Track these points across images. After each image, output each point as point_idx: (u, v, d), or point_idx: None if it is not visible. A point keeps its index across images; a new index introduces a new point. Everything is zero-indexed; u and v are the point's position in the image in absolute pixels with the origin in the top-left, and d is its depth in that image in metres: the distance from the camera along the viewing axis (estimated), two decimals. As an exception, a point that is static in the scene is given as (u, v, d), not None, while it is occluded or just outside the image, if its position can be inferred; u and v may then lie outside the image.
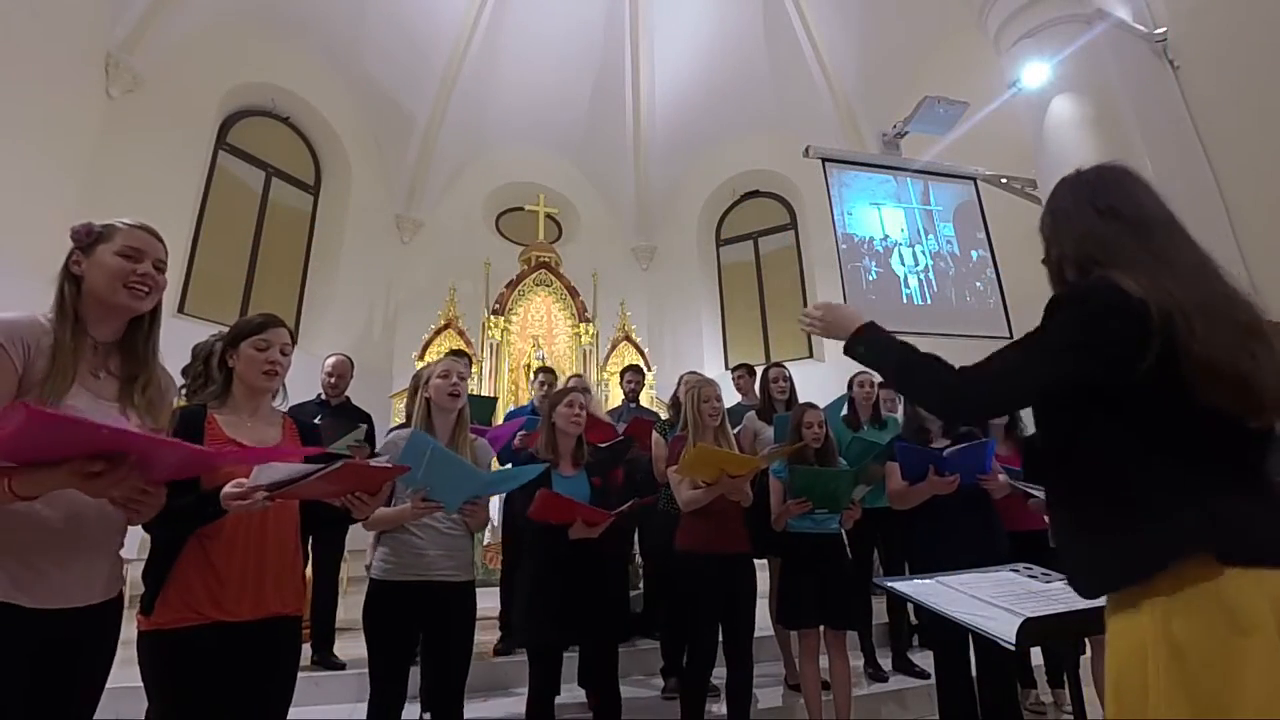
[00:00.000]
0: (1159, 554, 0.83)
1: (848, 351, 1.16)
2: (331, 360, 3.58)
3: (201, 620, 1.35)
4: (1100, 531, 0.92)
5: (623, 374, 4.61)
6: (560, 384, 3.64)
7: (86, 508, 1.16)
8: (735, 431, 3.80)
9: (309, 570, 3.31)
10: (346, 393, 3.61)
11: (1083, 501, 0.96)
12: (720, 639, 2.54)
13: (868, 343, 1.13)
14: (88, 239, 1.25)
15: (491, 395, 6.42)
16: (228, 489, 1.29)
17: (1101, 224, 1.00)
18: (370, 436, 3.30)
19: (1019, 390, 0.98)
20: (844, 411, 3.76)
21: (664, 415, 3.83)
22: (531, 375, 5.65)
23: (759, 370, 4.12)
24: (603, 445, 2.73)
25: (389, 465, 1.50)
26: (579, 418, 2.41)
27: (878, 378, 3.88)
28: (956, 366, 1.01)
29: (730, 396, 4.33)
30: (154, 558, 1.40)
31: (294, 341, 1.63)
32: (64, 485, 1.02)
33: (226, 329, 1.64)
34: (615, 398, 6.24)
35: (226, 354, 1.55)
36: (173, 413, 1.44)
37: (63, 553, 1.14)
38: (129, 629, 1.31)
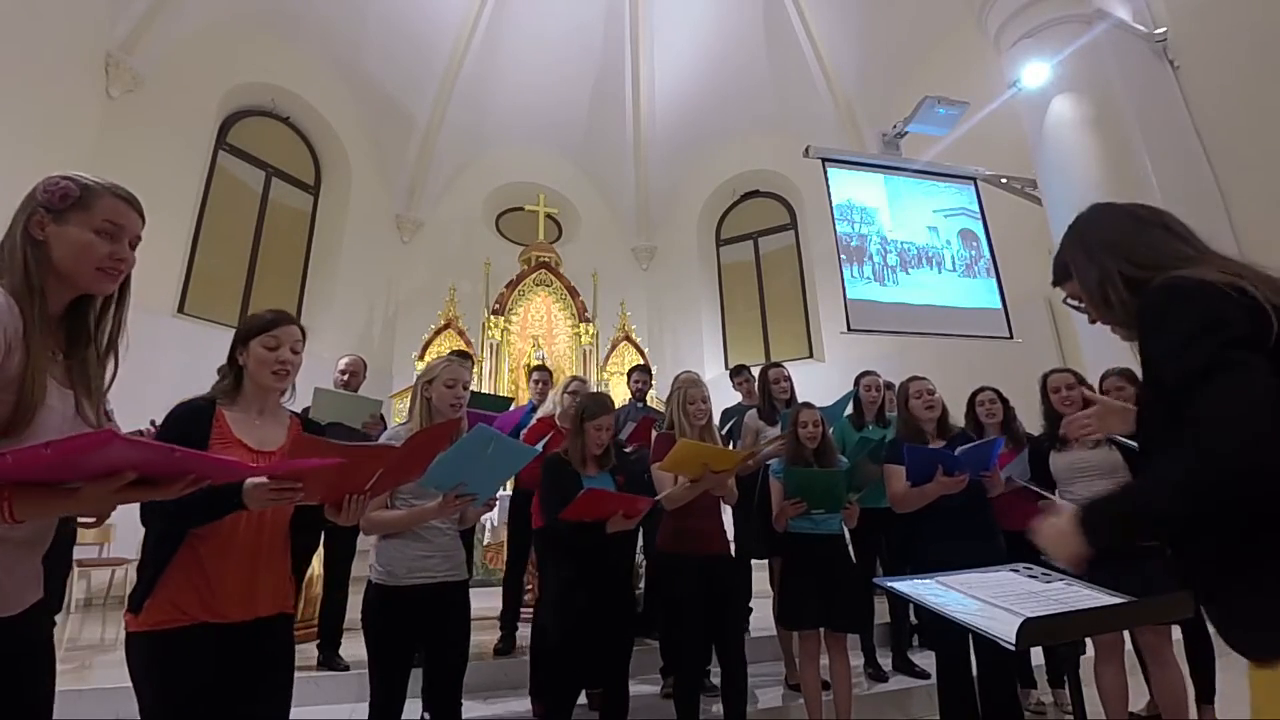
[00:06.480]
0: None
1: (1096, 545, 0.93)
2: (346, 359, 3.80)
3: (189, 621, 1.33)
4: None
5: (630, 373, 4.67)
6: (557, 383, 3.67)
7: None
8: (726, 430, 3.83)
9: (320, 570, 3.36)
10: (359, 391, 3.75)
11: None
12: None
13: (1099, 522, 0.93)
14: (62, 204, 1.05)
15: (507, 396, 6.43)
16: (252, 481, 1.26)
17: (1145, 232, 0.98)
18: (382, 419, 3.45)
19: (1262, 419, 0.75)
20: (849, 410, 3.71)
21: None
22: (528, 374, 5.68)
23: (757, 370, 4.11)
24: (628, 451, 2.87)
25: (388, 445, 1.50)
26: (603, 442, 2.48)
27: (884, 377, 3.92)
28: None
29: (732, 396, 4.34)
30: (147, 555, 1.38)
31: (305, 337, 1.60)
32: (82, 510, 0.94)
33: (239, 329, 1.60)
34: (616, 398, 6.24)
35: (237, 351, 1.52)
36: (178, 405, 1.43)
37: (11, 559, 1.03)
38: (121, 629, 1.28)
